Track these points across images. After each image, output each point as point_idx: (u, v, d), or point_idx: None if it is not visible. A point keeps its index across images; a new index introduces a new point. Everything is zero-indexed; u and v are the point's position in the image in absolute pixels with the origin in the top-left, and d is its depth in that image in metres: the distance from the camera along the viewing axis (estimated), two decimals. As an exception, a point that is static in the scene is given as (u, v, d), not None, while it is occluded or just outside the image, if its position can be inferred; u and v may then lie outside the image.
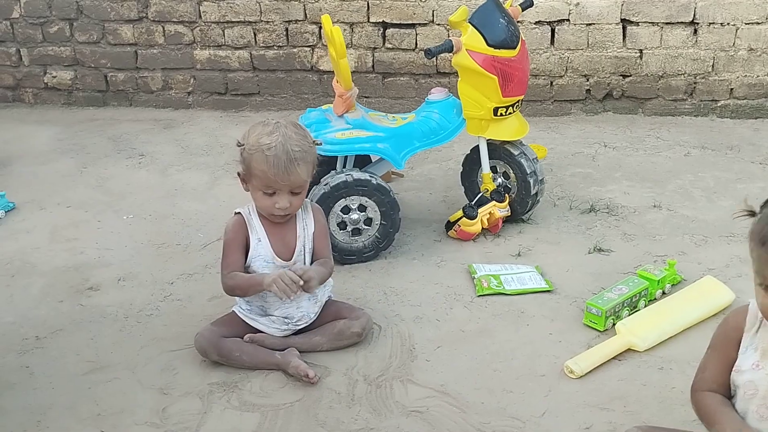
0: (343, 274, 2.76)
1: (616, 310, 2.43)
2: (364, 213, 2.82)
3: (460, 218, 2.96)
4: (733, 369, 1.62)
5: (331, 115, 2.91)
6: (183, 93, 4.70)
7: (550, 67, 4.32)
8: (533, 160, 3.02)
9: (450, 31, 4.25)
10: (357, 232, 2.84)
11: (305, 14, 4.41)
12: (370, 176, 2.80)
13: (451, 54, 2.86)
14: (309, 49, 4.50)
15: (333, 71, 3.09)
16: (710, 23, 4.15)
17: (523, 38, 2.92)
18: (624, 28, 4.22)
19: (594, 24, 4.22)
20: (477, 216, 2.94)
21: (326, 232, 2.42)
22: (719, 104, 4.32)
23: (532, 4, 3.16)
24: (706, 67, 4.24)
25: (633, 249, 2.91)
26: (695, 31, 4.18)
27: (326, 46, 4.12)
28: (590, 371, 2.21)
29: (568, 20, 4.22)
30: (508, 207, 3.05)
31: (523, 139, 3.03)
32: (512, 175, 3.05)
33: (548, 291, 2.65)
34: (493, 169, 3.09)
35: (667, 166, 3.70)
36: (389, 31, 4.37)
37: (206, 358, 2.28)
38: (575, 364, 2.21)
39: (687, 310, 2.44)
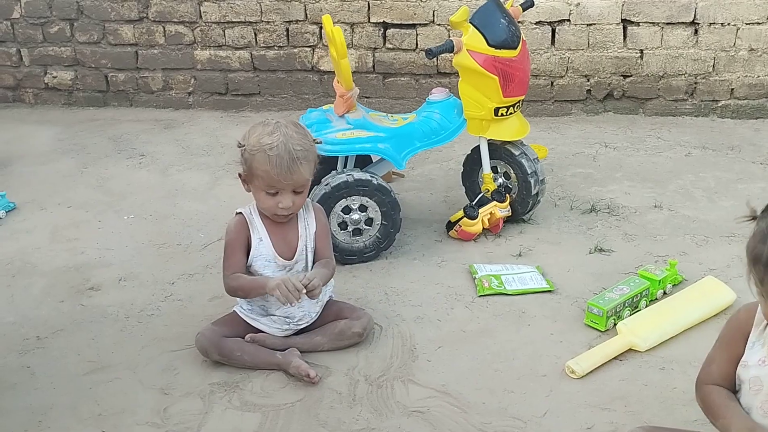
0: (344, 275, 2.76)
1: (618, 310, 2.43)
2: (365, 213, 2.82)
3: (461, 218, 2.96)
4: (740, 364, 1.63)
5: (332, 116, 2.91)
6: (183, 93, 4.70)
7: (550, 68, 4.32)
8: (534, 160, 3.02)
9: (451, 32, 4.25)
10: (358, 232, 2.84)
11: (306, 14, 4.41)
12: (371, 176, 2.80)
13: (451, 54, 2.86)
14: (310, 49, 4.50)
15: (334, 71, 3.09)
16: (711, 23, 4.15)
17: (524, 38, 2.92)
18: (624, 29, 4.22)
19: (594, 24, 4.22)
20: (478, 216, 2.94)
21: (328, 232, 2.42)
22: (720, 104, 4.32)
23: (533, 5, 3.17)
24: (707, 68, 4.24)
25: (634, 249, 2.91)
26: (696, 31, 4.18)
27: (327, 46, 4.11)
28: (591, 371, 2.21)
29: (568, 20, 4.22)
30: (509, 207, 3.05)
31: (523, 139, 3.03)
32: (513, 175, 3.05)
33: (549, 291, 2.65)
34: (494, 170, 3.09)
35: (668, 166, 3.70)
36: (390, 32, 4.37)
37: (207, 358, 2.28)
38: (576, 364, 2.21)
39: (688, 311, 2.44)
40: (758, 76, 4.23)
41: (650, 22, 4.18)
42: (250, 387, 2.20)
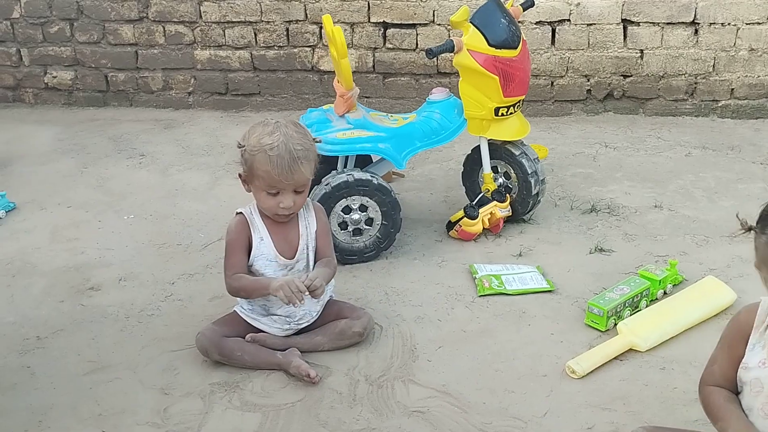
0: (345, 274, 2.76)
1: (618, 310, 2.43)
2: (365, 213, 2.82)
3: (462, 218, 2.96)
4: (740, 365, 1.63)
5: (332, 115, 2.91)
6: (183, 93, 4.70)
7: (550, 67, 4.32)
8: (534, 160, 3.02)
9: (451, 31, 4.25)
10: (358, 232, 2.84)
11: (306, 14, 4.41)
12: (372, 176, 2.80)
13: (452, 54, 2.85)
14: (310, 49, 4.50)
15: (334, 71, 3.10)
16: (711, 23, 4.15)
17: (524, 38, 2.92)
18: (625, 29, 4.22)
19: (595, 24, 4.22)
20: (478, 216, 2.94)
21: (328, 231, 2.42)
22: (720, 104, 4.32)
23: (533, 4, 3.17)
24: (707, 68, 4.24)
25: (634, 249, 2.91)
26: (696, 31, 4.18)
27: (327, 46, 4.11)
28: (592, 371, 2.21)
29: (568, 20, 4.22)
30: (509, 207, 3.05)
31: (524, 139, 3.03)
32: (513, 175, 3.05)
33: (550, 291, 2.65)
34: (494, 169, 3.09)
35: (668, 166, 3.70)
36: (390, 31, 4.37)
37: (207, 358, 2.28)
38: (577, 364, 2.21)
39: (688, 311, 2.44)
40: (758, 76, 4.23)
41: (650, 22, 4.18)
42: (251, 387, 2.20)
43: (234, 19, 4.47)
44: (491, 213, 2.98)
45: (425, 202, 3.38)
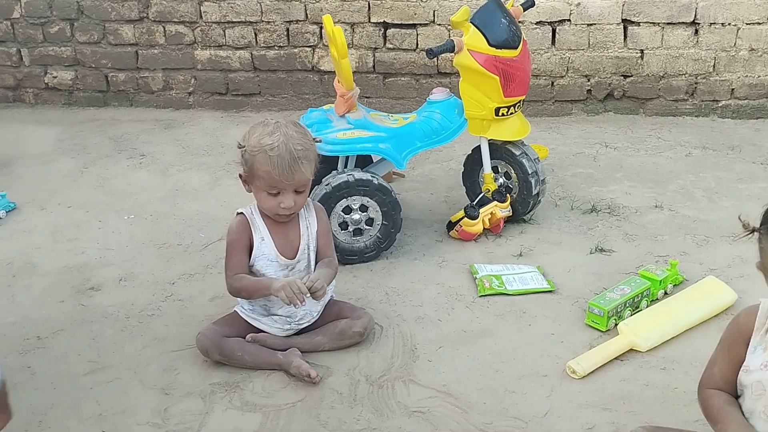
0: (345, 275, 2.76)
1: (618, 310, 2.43)
2: (365, 213, 2.82)
3: (462, 218, 2.96)
4: (741, 368, 1.62)
5: (333, 115, 2.91)
6: (184, 93, 4.70)
7: (551, 68, 4.32)
8: (535, 160, 3.02)
9: (451, 31, 4.25)
10: (358, 232, 2.84)
11: (306, 14, 4.41)
12: (372, 176, 2.80)
13: (452, 54, 2.85)
14: (310, 49, 4.50)
15: (334, 71, 3.10)
16: (711, 23, 4.15)
17: (525, 38, 2.92)
18: (625, 29, 4.22)
19: (595, 24, 4.22)
20: (478, 216, 2.94)
21: (329, 231, 2.42)
22: (720, 104, 4.32)
23: (534, 4, 3.17)
24: (707, 68, 4.24)
25: (635, 249, 2.91)
26: (696, 31, 4.18)
27: (327, 46, 4.12)
28: (592, 371, 2.21)
29: (569, 20, 4.22)
30: (510, 207, 3.05)
31: (524, 139, 3.03)
32: (514, 175, 3.05)
33: (550, 291, 2.65)
34: (495, 170, 3.09)
35: (669, 166, 3.70)
36: (390, 32, 4.37)
37: (208, 358, 2.28)
38: (577, 365, 2.21)
39: (689, 311, 2.44)
40: (758, 76, 4.23)
41: (651, 22, 4.18)
42: (251, 387, 2.20)
43: (234, 19, 4.47)
44: (492, 213, 2.98)
45: (426, 202, 3.37)
